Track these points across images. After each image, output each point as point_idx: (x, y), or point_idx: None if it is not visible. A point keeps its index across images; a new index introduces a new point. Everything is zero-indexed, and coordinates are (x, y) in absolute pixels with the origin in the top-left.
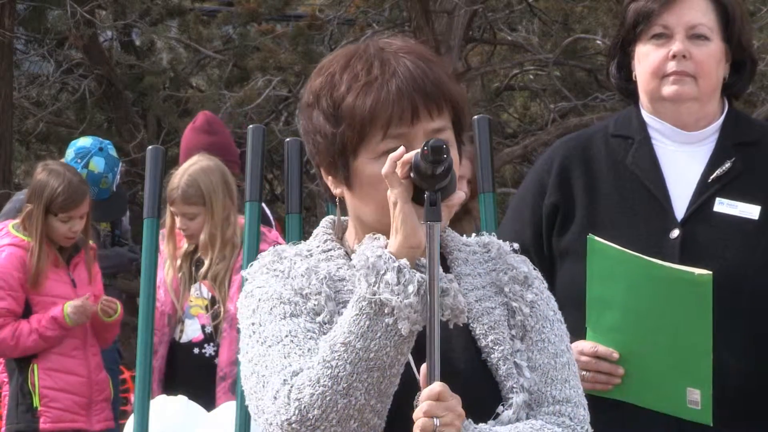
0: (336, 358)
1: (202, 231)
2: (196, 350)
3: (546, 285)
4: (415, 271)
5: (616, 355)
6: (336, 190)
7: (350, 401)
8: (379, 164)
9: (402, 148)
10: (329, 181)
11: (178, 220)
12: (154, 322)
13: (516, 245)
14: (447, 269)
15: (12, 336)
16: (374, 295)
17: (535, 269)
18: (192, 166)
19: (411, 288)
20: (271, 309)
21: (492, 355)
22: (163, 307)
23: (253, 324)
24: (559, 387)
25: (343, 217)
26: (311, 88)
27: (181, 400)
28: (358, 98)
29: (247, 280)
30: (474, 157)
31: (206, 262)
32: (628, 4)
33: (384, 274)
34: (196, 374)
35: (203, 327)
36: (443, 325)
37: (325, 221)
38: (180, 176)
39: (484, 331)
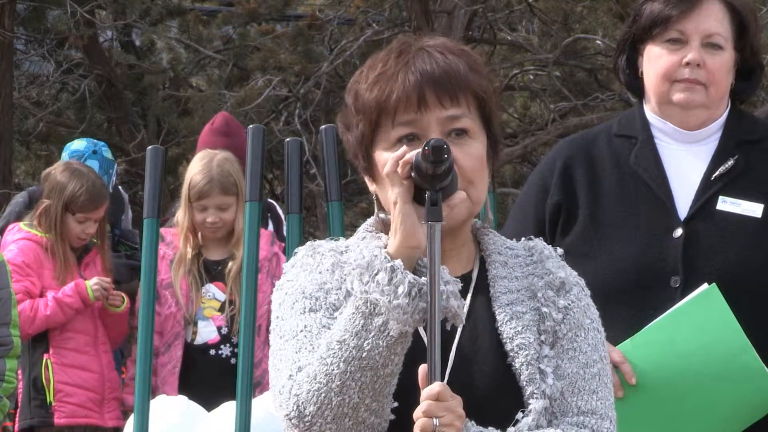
0: (331, 355)
1: (232, 223)
2: (212, 351)
3: (587, 293)
4: (407, 272)
5: (634, 381)
6: (371, 188)
7: (344, 399)
8: (394, 153)
9: (404, 148)
10: (365, 178)
11: (208, 214)
12: (154, 322)
13: (560, 250)
14: (485, 271)
15: (31, 308)
16: (365, 294)
17: (576, 276)
18: (213, 159)
19: (401, 289)
20: (294, 303)
21: (516, 359)
22: (171, 309)
23: (277, 317)
24: (586, 398)
25: (381, 215)
26: (347, 89)
27: (181, 400)
28: (369, 90)
29: (285, 273)
30: None
31: (238, 254)
32: (642, 2)
33: (376, 273)
34: (214, 375)
35: (219, 328)
36: (472, 327)
37: (371, 218)
38: (206, 170)
39: (511, 335)
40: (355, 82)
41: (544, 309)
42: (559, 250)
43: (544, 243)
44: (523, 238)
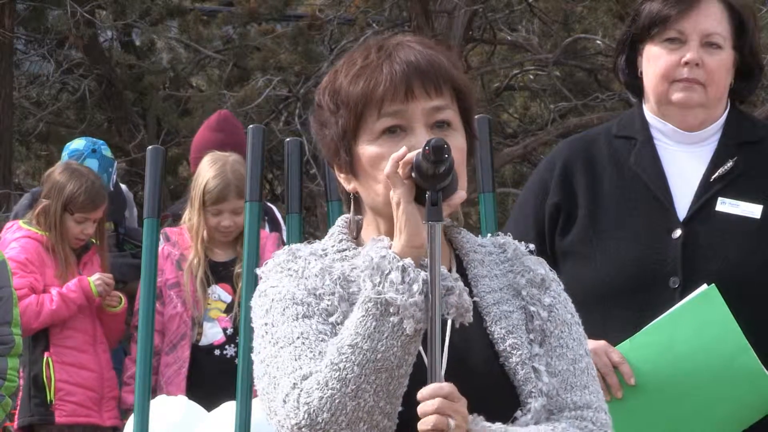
0: (344, 360)
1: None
2: (217, 352)
3: (563, 287)
4: (419, 270)
5: (633, 381)
6: (349, 186)
7: (359, 403)
8: (378, 144)
9: (404, 149)
10: (341, 177)
11: (222, 218)
12: (154, 322)
13: (532, 246)
14: (463, 271)
15: (37, 302)
16: (379, 294)
17: (552, 271)
18: (227, 163)
19: (416, 287)
20: (284, 309)
21: (510, 360)
22: (177, 309)
23: (266, 324)
24: (579, 393)
25: (357, 216)
26: (319, 88)
27: (181, 400)
28: (353, 82)
29: (261, 278)
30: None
31: None
32: (642, 2)
33: (388, 273)
34: (219, 375)
35: (225, 329)
36: (461, 328)
37: (341, 220)
38: (221, 175)
39: (502, 335)
40: (331, 80)
41: (531, 308)
42: (531, 246)
43: (513, 239)
44: (489, 234)
